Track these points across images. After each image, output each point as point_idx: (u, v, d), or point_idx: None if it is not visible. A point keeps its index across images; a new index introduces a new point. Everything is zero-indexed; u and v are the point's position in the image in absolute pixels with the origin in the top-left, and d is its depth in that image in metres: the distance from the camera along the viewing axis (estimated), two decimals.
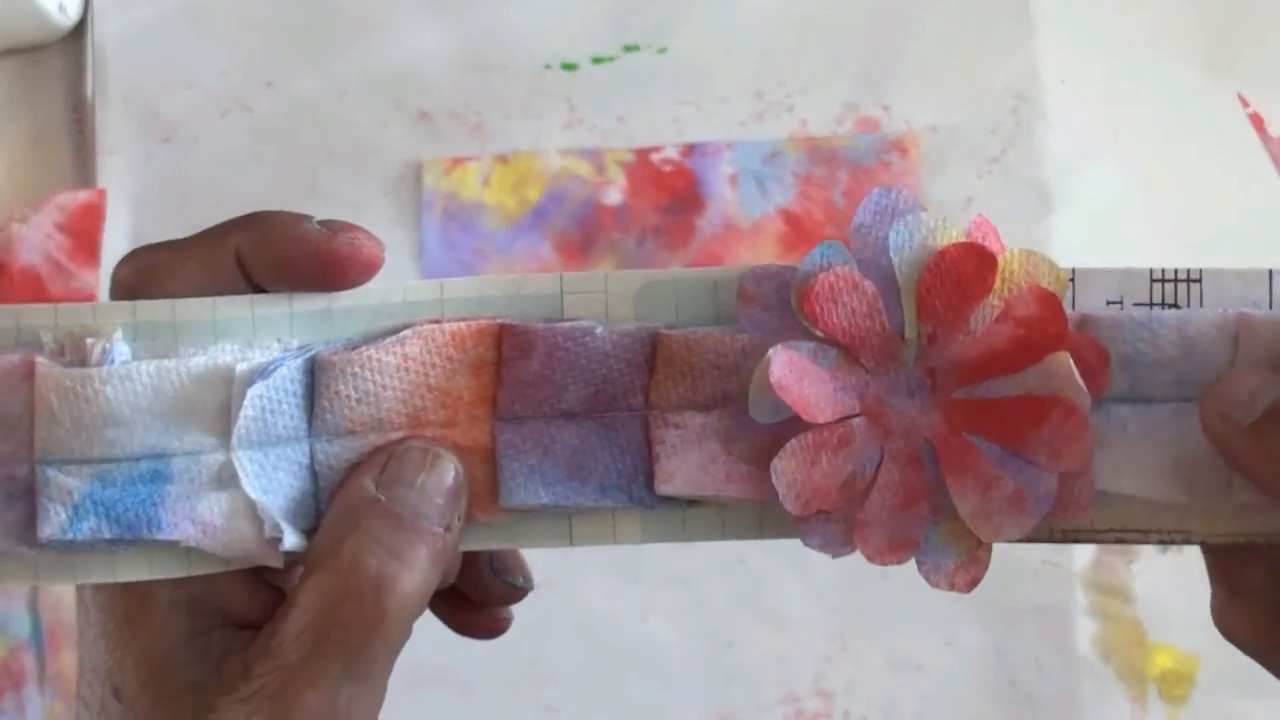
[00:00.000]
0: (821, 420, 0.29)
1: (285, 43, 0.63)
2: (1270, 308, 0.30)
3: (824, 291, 0.29)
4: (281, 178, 0.62)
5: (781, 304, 0.30)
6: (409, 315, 0.30)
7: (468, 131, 0.62)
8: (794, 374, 0.29)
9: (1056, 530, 0.31)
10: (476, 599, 0.36)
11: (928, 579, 0.30)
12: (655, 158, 0.61)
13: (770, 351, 0.29)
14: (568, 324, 0.30)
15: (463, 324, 0.30)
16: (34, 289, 0.59)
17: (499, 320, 0.30)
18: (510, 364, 0.30)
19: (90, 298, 0.59)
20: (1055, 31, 0.62)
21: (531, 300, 0.30)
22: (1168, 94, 0.62)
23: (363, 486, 0.29)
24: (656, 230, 0.61)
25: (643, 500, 0.30)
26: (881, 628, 0.58)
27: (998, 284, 0.29)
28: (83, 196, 0.61)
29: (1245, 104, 0.62)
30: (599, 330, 0.30)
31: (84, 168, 0.62)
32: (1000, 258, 0.29)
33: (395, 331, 0.30)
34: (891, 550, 0.29)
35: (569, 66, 0.63)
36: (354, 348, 0.29)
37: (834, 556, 0.30)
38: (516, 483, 0.30)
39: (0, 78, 0.63)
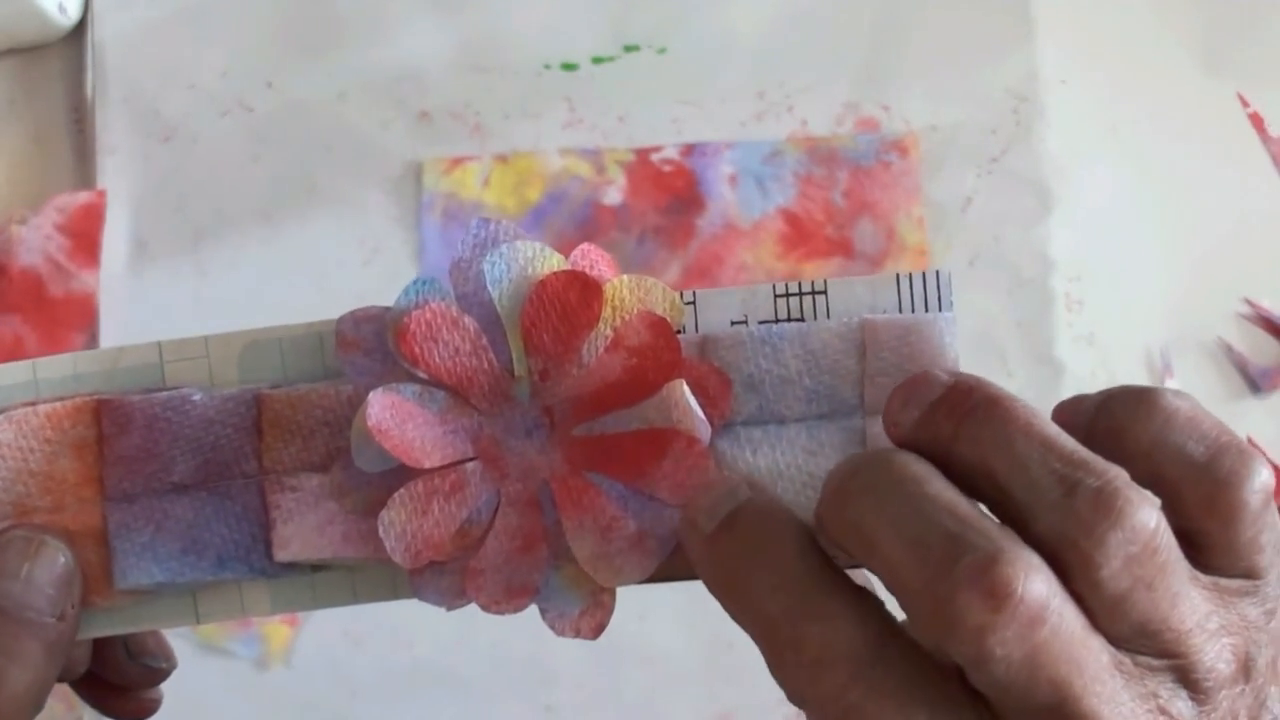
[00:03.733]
0: (428, 465, 0.27)
1: (285, 43, 0.63)
2: (900, 313, 0.28)
3: (420, 330, 0.27)
4: (281, 178, 0.62)
5: (383, 348, 0.28)
6: (1, 400, 0.29)
7: (468, 131, 0.62)
8: (394, 418, 0.27)
9: (682, 569, 0.29)
10: (117, 683, 0.35)
11: (552, 627, 0.28)
12: (655, 158, 0.61)
13: (369, 396, 0.27)
14: (164, 394, 0.29)
15: (59, 404, 0.29)
16: (34, 290, 0.59)
17: (96, 396, 0.29)
18: (111, 441, 0.29)
19: (89, 298, 0.59)
20: (1055, 31, 0.62)
21: (130, 372, 0.29)
22: (1168, 94, 0.62)
23: None
24: (656, 230, 0.61)
25: (264, 570, 0.29)
26: None
27: (608, 313, 0.28)
28: (83, 197, 0.61)
29: (1245, 104, 0.62)
30: (197, 397, 0.29)
31: (84, 168, 0.62)
32: (608, 285, 0.28)
33: None
34: (509, 598, 0.28)
35: (569, 66, 0.62)
36: None
37: (449, 609, 0.28)
38: (129, 563, 0.29)
39: (0, 78, 0.63)
